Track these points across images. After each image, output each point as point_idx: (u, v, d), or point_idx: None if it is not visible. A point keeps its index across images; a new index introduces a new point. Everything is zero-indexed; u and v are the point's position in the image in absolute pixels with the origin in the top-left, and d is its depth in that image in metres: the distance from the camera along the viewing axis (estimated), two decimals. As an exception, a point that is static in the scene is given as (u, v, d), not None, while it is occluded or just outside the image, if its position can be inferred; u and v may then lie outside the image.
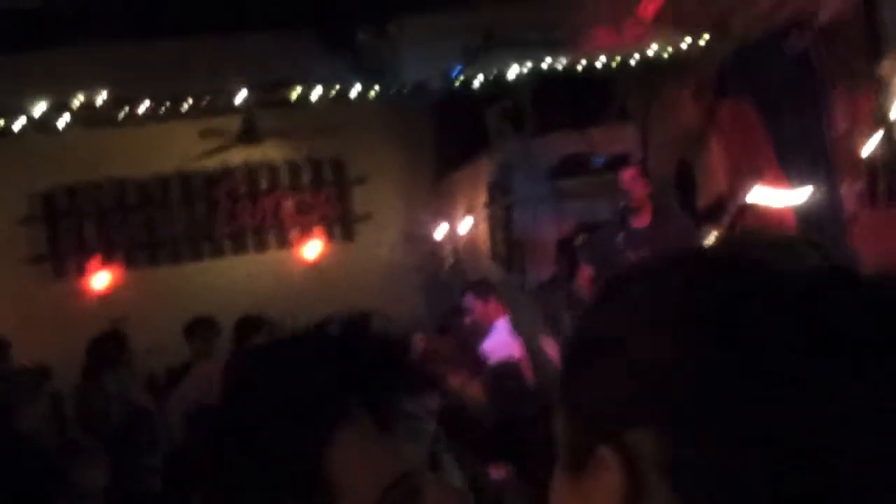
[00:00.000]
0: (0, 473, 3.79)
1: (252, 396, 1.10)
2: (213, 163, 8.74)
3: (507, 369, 5.08)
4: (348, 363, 1.08)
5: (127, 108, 6.28)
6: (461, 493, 1.13)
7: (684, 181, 7.45)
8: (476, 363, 5.24)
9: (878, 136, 5.18)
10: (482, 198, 8.41)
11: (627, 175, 6.48)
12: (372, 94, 6.65)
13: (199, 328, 6.29)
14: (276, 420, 1.06)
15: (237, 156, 8.76)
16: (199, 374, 6.11)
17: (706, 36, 7.05)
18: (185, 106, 6.41)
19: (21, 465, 3.81)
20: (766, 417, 0.61)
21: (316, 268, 8.83)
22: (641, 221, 6.49)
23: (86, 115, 6.16)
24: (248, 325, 6.21)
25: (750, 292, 0.64)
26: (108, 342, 5.66)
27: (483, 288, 6.26)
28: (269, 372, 1.11)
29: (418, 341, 6.58)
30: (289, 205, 9.06)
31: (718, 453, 0.62)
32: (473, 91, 7.03)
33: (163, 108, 6.34)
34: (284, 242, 9.02)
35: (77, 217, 8.57)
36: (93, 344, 5.71)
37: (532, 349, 2.75)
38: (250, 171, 8.98)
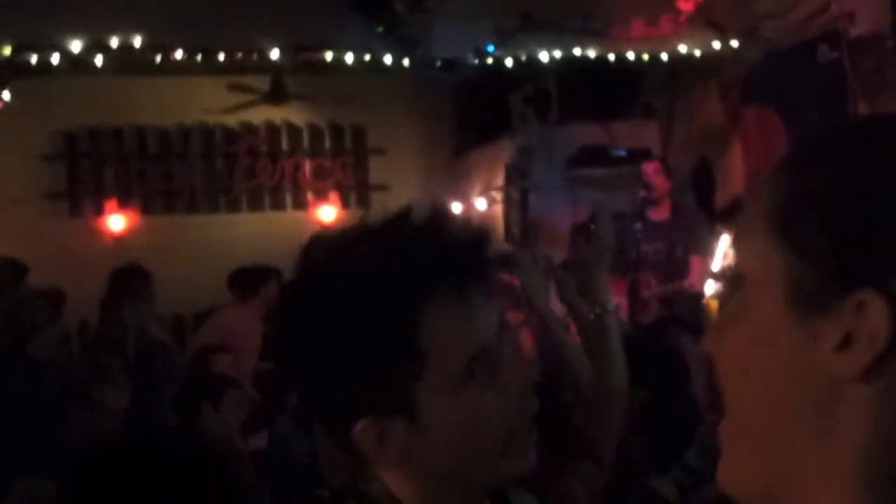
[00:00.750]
0: (19, 390, 3.90)
1: (358, 274, 1.22)
2: (235, 119, 8.80)
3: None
4: (436, 246, 1.22)
5: (161, 55, 6.32)
6: (529, 360, 1.30)
7: (703, 180, 7.51)
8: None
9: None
10: (499, 179, 8.47)
11: (651, 168, 6.57)
12: (404, 64, 6.71)
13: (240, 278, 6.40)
14: (372, 295, 1.19)
15: (260, 115, 8.82)
16: (223, 318, 6.21)
17: (737, 40, 7.10)
18: (220, 58, 6.45)
19: (39, 382, 3.91)
20: None
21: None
22: (660, 215, 6.59)
23: (121, 57, 6.21)
24: (257, 275, 6.33)
25: None
26: (131, 275, 5.74)
27: (505, 261, 6.31)
28: (365, 253, 1.22)
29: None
30: (307, 168, 9.12)
31: None
32: (502, 72, 7.08)
33: (197, 58, 6.39)
34: (300, 204, 9.09)
35: (97, 159, 8.64)
36: (115, 274, 5.81)
37: (545, 315, 2.82)
38: (272, 131, 9.03)
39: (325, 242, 1.28)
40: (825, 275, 0.67)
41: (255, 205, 9.04)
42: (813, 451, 0.68)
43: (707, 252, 6.65)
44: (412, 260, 1.21)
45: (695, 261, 6.59)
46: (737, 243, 0.77)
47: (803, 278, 0.68)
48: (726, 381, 0.73)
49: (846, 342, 0.66)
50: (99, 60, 6.22)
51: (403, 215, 1.25)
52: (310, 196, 9.14)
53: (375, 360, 1.19)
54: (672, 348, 4.27)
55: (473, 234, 1.25)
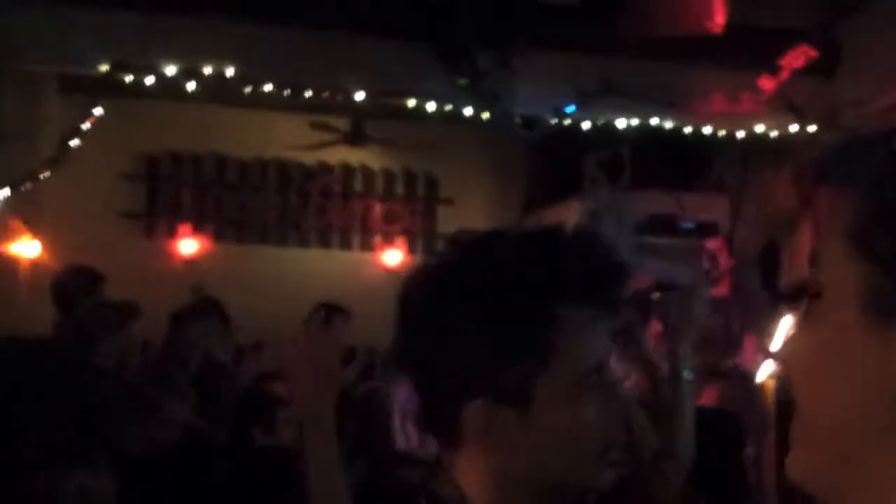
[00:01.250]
0: (78, 397, 4.01)
1: (512, 263, 1.33)
2: (313, 157, 8.99)
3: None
4: (585, 258, 1.34)
5: (250, 87, 6.50)
6: (628, 392, 1.38)
7: (769, 261, 7.50)
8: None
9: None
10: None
11: (713, 244, 6.60)
12: (483, 118, 6.82)
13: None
14: (521, 283, 1.30)
15: (337, 155, 9.00)
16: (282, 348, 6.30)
17: (815, 124, 7.12)
18: (307, 95, 6.62)
19: (98, 391, 4.01)
20: None
21: (394, 276, 9.01)
22: (719, 291, 6.60)
23: (212, 85, 6.40)
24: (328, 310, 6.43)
25: None
26: (206, 303, 5.92)
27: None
28: (521, 247, 1.35)
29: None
30: (378, 211, 9.27)
31: None
32: (578, 134, 7.16)
33: (285, 93, 6.57)
34: (368, 246, 9.22)
35: (176, 183, 8.88)
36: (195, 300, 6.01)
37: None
38: (347, 172, 9.20)
39: (475, 234, 1.40)
40: None
41: (324, 242, 9.19)
42: (882, 451, 0.71)
43: (764, 332, 6.63)
44: (562, 263, 1.33)
45: (749, 339, 6.59)
46: (816, 258, 0.79)
47: (880, 287, 0.71)
48: (802, 385, 0.77)
49: None
50: (191, 86, 6.41)
51: (558, 227, 1.38)
52: (377, 239, 9.28)
53: (510, 345, 1.29)
54: (732, 416, 4.30)
55: (617, 260, 1.38)
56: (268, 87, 6.66)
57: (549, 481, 1.33)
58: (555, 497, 1.36)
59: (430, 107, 6.88)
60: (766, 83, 6.77)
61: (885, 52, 6.44)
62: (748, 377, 6.52)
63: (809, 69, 6.84)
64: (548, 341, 1.29)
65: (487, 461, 1.32)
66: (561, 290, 1.31)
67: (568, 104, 6.85)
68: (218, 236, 8.94)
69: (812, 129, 7.11)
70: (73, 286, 5.39)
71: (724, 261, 6.62)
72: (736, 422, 3.89)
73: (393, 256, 9.19)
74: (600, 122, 7.03)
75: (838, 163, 0.83)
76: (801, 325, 0.79)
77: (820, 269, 0.78)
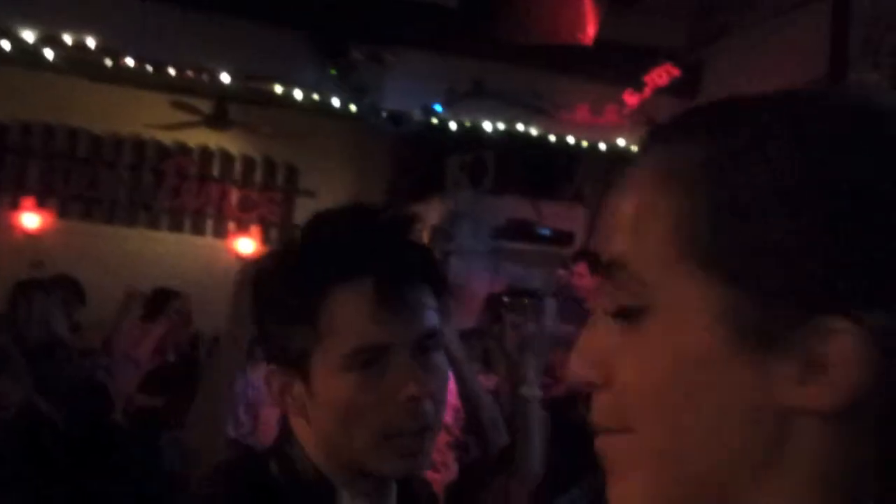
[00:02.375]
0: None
1: (307, 243, 1.39)
2: (171, 137, 8.74)
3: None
4: (368, 238, 1.35)
5: (111, 60, 6.27)
6: (423, 377, 1.34)
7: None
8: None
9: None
10: (423, 238, 8.53)
11: (577, 270, 6.73)
12: (351, 110, 6.76)
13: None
14: (305, 262, 1.36)
15: (197, 137, 8.78)
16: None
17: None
18: (171, 72, 6.42)
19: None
20: None
21: (245, 264, 8.87)
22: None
23: (72, 55, 6.14)
24: (162, 296, 6.30)
25: None
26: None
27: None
28: (316, 226, 1.40)
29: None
30: (234, 197, 9.08)
31: None
32: (445, 133, 7.18)
33: (147, 68, 6.36)
34: (221, 232, 9.02)
35: (24, 154, 8.49)
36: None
37: (472, 385, 2.92)
38: (205, 155, 8.99)
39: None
40: (775, 303, 0.60)
41: (176, 225, 8.95)
42: (757, 487, 0.63)
43: None
44: (343, 238, 1.35)
45: None
46: (621, 272, 0.65)
47: (742, 309, 0.61)
48: (638, 409, 0.65)
49: (808, 373, 0.60)
50: (49, 55, 6.13)
51: (368, 206, 1.41)
52: (231, 226, 9.09)
53: (290, 313, 1.34)
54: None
55: (409, 243, 1.38)
56: (129, 62, 6.43)
57: (341, 456, 1.36)
58: (357, 473, 1.37)
59: (298, 95, 6.77)
60: (630, 98, 6.94)
61: (743, 78, 6.66)
62: None
63: (672, 88, 7.04)
64: (318, 314, 1.31)
65: (307, 434, 1.38)
66: (339, 265, 1.33)
67: (437, 103, 6.87)
68: (63, 212, 8.60)
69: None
70: None
71: (588, 283, 6.76)
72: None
73: (246, 245, 9.02)
74: (467, 123, 7.06)
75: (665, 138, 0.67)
76: (630, 341, 0.66)
77: (642, 283, 0.64)
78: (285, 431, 1.42)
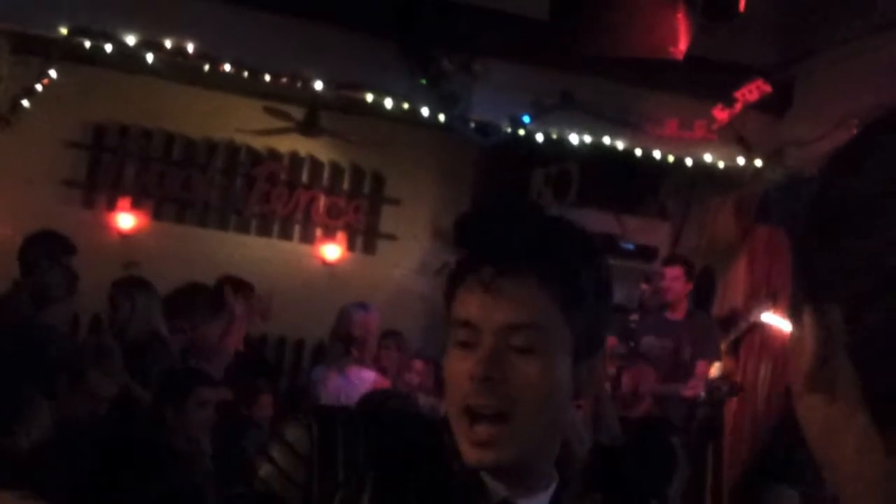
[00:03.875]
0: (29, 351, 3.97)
1: None
2: (263, 143, 8.92)
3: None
4: (483, 230, 1.49)
5: (209, 65, 6.45)
6: (502, 363, 1.42)
7: (704, 288, 7.64)
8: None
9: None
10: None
11: (672, 272, 6.75)
12: (439, 120, 6.84)
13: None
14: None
15: (288, 144, 8.94)
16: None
17: (761, 160, 7.27)
18: (266, 79, 6.59)
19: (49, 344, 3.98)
20: None
21: (330, 270, 9.00)
22: (674, 315, 6.79)
23: (171, 60, 6.34)
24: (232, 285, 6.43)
25: None
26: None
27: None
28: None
29: (415, 364, 6.76)
30: (321, 204, 9.22)
31: None
32: (531, 145, 7.22)
33: (244, 74, 6.53)
34: (308, 238, 9.17)
35: (121, 155, 8.73)
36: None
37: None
38: (295, 162, 9.15)
39: None
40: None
41: (265, 230, 9.11)
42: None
43: (714, 359, 6.80)
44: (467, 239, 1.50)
45: (701, 365, 6.73)
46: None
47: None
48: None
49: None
50: (149, 58, 6.34)
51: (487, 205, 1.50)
52: (318, 232, 9.23)
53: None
54: (672, 447, 4.38)
55: (514, 233, 1.45)
56: (226, 67, 6.61)
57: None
58: None
59: (388, 103, 6.88)
60: (720, 113, 6.91)
61: (834, 96, 6.60)
62: (693, 403, 6.68)
63: (762, 105, 7.00)
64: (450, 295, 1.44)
65: None
66: (465, 259, 1.44)
67: (524, 114, 6.92)
68: (157, 213, 8.83)
69: (758, 163, 7.26)
70: (37, 249, 5.40)
71: (681, 288, 6.78)
72: (674, 455, 4.00)
73: (332, 251, 9.16)
74: (554, 135, 7.09)
75: (780, 202, 0.83)
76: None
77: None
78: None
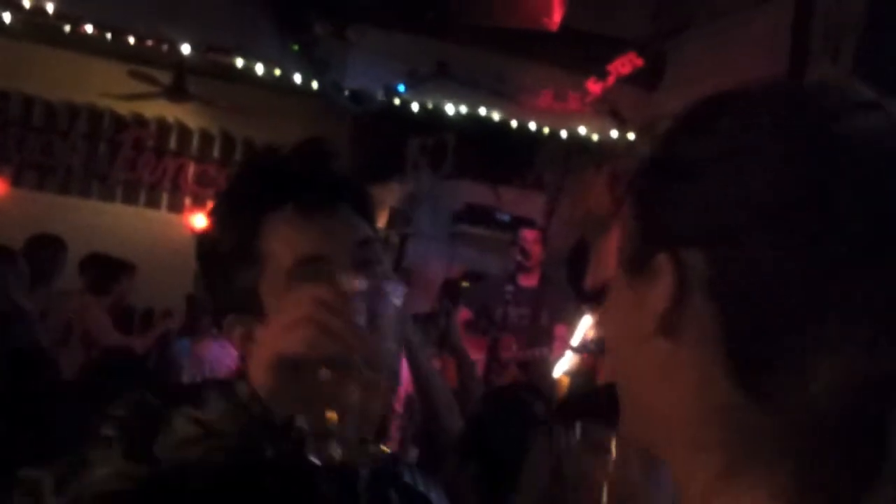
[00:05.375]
0: None
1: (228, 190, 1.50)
2: (128, 108, 8.62)
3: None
4: (284, 169, 1.43)
5: (70, 25, 6.16)
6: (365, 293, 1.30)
7: (578, 259, 7.68)
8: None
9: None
10: (382, 220, 8.49)
11: (530, 235, 6.69)
12: (312, 86, 6.70)
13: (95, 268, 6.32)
14: (227, 208, 1.45)
15: (154, 109, 8.65)
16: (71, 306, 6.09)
17: (634, 133, 7.33)
18: (130, 41, 6.32)
19: None
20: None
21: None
22: (529, 281, 6.71)
23: (31, 20, 6.03)
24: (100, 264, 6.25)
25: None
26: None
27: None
28: (237, 177, 1.54)
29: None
30: (190, 171, 8.97)
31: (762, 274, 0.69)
32: (406, 115, 7.14)
33: (107, 36, 6.25)
34: (176, 206, 8.92)
35: (-24, 120, 8.34)
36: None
37: (427, 370, 2.92)
38: (162, 128, 8.87)
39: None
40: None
41: (130, 198, 8.82)
42: (692, 459, 0.76)
43: (571, 324, 6.77)
44: (262, 178, 1.43)
45: (560, 329, 6.70)
46: None
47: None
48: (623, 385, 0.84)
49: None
50: (6, 18, 6.01)
51: (278, 149, 1.47)
52: (187, 200, 8.98)
53: (229, 257, 1.39)
54: (533, 415, 4.35)
55: (324, 170, 1.44)
56: (88, 28, 6.32)
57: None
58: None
59: (259, 69, 6.70)
60: (593, 86, 6.94)
61: (705, 70, 6.69)
62: (547, 368, 6.65)
63: (634, 78, 7.05)
64: (255, 247, 1.37)
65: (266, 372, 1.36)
66: (259, 199, 1.40)
67: (399, 83, 6.82)
68: (16, 180, 8.45)
69: (631, 136, 7.33)
70: None
71: (537, 252, 6.71)
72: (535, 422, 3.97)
73: (201, 220, 8.92)
74: (429, 105, 7.02)
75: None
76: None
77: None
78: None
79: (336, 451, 1.23)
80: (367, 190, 1.50)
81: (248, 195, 1.42)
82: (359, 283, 1.27)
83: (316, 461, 1.22)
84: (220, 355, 5.62)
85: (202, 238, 1.46)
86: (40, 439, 3.95)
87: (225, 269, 1.40)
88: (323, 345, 1.18)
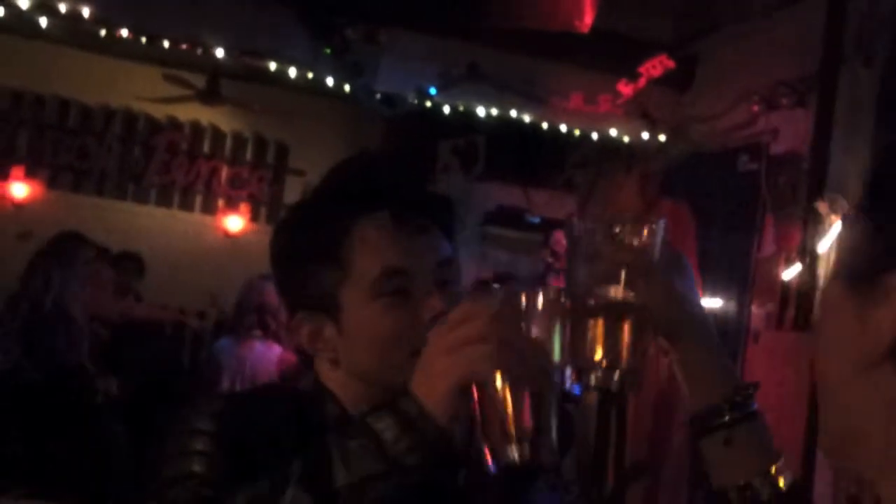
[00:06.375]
0: None
1: (316, 192, 1.51)
2: (162, 112, 8.72)
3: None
4: (378, 176, 1.45)
5: (105, 30, 6.23)
6: (450, 300, 1.36)
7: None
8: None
9: (799, 266, 5.47)
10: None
11: (560, 236, 6.72)
12: (344, 90, 6.73)
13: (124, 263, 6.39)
14: (314, 209, 1.47)
15: (188, 112, 8.75)
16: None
17: (665, 135, 7.32)
18: (164, 45, 6.38)
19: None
20: None
21: (233, 241, 8.84)
22: (559, 283, 6.73)
23: (66, 24, 6.10)
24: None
25: None
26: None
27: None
28: (333, 174, 1.51)
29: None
30: (224, 174, 9.05)
31: None
32: (438, 117, 7.16)
33: (142, 40, 6.32)
34: (210, 209, 9.01)
35: (14, 123, 8.45)
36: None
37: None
38: (196, 131, 8.96)
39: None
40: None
41: (164, 200, 8.92)
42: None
43: None
44: (362, 179, 1.45)
45: None
46: None
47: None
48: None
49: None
50: (43, 23, 6.09)
51: (371, 152, 1.58)
52: (220, 203, 9.07)
53: (311, 258, 1.42)
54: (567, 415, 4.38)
55: (423, 184, 1.53)
56: (124, 33, 6.38)
57: (375, 384, 1.40)
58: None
59: (292, 72, 6.73)
60: (624, 88, 6.93)
61: (736, 72, 6.68)
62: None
63: (665, 80, 7.03)
64: (343, 250, 1.39)
65: (332, 370, 1.43)
66: (353, 202, 1.41)
67: (431, 87, 6.84)
68: (52, 182, 8.57)
69: (662, 138, 7.32)
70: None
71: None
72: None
73: (234, 222, 9.01)
74: (461, 107, 7.03)
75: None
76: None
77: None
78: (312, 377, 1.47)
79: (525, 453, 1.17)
80: (455, 210, 1.53)
81: (342, 196, 1.43)
82: (437, 304, 1.34)
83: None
84: (263, 355, 5.67)
85: (281, 236, 1.49)
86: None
87: (305, 268, 1.43)
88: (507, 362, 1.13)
